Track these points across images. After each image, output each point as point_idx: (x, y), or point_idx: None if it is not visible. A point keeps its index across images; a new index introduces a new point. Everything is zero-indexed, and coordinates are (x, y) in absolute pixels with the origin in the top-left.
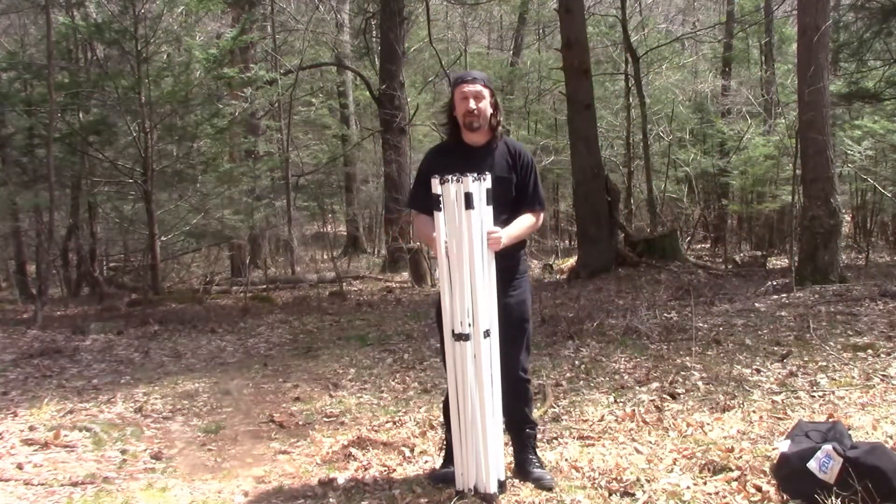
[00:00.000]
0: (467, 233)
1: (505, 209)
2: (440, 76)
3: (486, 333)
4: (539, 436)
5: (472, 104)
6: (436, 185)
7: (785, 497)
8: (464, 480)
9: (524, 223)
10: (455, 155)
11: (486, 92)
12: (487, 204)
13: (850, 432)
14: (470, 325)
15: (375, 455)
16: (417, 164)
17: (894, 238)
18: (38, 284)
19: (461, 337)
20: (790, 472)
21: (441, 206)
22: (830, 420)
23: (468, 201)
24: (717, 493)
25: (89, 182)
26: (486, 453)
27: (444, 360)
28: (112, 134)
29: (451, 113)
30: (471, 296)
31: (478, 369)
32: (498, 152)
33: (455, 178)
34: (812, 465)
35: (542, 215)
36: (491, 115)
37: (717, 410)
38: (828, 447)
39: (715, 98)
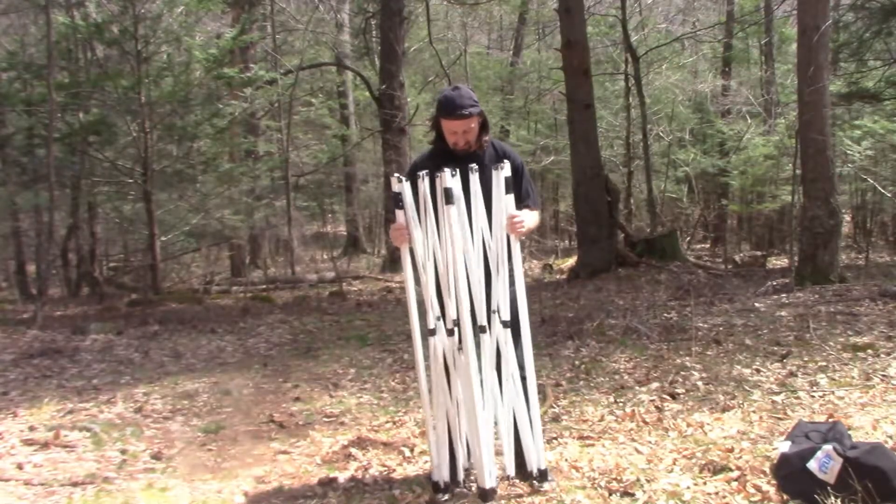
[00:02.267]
0: (449, 228)
1: None
2: (440, 76)
3: (482, 329)
4: None
5: (462, 139)
6: (395, 184)
7: (785, 497)
8: (439, 473)
9: (534, 215)
10: (445, 162)
11: (473, 122)
12: (507, 192)
13: (849, 432)
14: (455, 320)
15: (375, 455)
16: None
17: (894, 238)
18: (38, 284)
19: (432, 332)
20: (790, 472)
21: (401, 203)
22: (830, 420)
23: (447, 197)
24: (717, 493)
25: (89, 182)
26: (481, 448)
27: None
28: (112, 134)
29: (439, 130)
30: (455, 291)
31: (465, 364)
32: (487, 157)
33: (425, 175)
34: (812, 465)
35: (539, 213)
36: (478, 134)
37: (717, 410)
38: (828, 447)
39: (715, 98)
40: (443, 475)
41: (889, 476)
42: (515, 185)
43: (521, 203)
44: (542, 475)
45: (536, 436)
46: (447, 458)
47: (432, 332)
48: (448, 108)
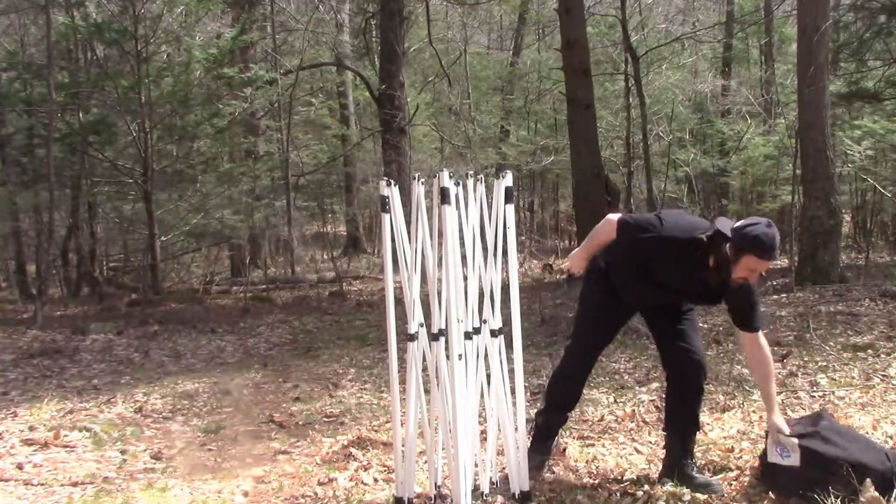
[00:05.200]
0: (449, 229)
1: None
2: (440, 76)
3: (468, 335)
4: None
5: (753, 277)
6: (383, 187)
7: (783, 500)
8: (405, 488)
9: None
10: (689, 264)
11: None
12: (507, 202)
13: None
14: (441, 329)
15: (375, 455)
16: (418, 164)
17: (894, 238)
18: (38, 284)
19: (412, 338)
20: (764, 469)
21: (388, 207)
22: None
23: (444, 196)
24: (717, 493)
25: (89, 182)
26: (458, 465)
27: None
28: (112, 134)
29: (727, 258)
30: (449, 294)
31: (448, 374)
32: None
33: (420, 178)
34: (775, 458)
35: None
36: None
37: (717, 410)
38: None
39: (715, 98)
40: (407, 492)
41: (830, 461)
42: (750, 312)
43: (753, 328)
44: (525, 497)
45: (522, 455)
46: (413, 472)
47: (412, 338)
48: (768, 247)
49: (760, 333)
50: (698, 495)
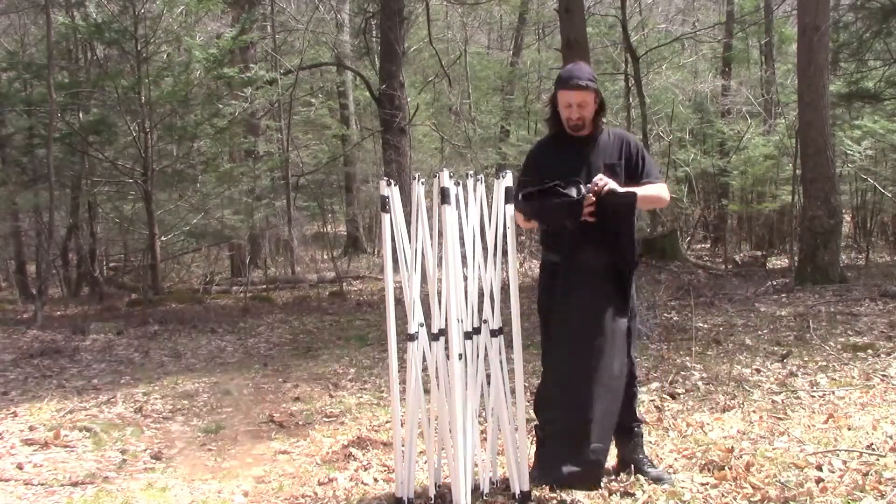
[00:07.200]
0: (448, 229)
1: None
2: (440, 76)
3: (468, 335)
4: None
5: (577, 113)
6: (383, 187)
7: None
8: (404, 488)
9: (653, 188)
10: (562, 147)
11: (591, 97)
12: (507, 202)
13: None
14: (442, 329)
15: (375, 455)
16: (418, 164)
17: (894, 238)
18: (38, 284)
19: (412, 337)
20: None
21: (388, 207)
22: None
23: (444, 196)
24: (717, 493)
25: (89, 182)
26: (458, 465)
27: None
28: (112, 134)
29: (555, 108)
30: (449, 294)
31: (449, 374)
32: (603, 140)
33: (420, 178)
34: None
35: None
36: (594, 115)
37: (717, 410)
38: None
39: (715, 98)
40: (407, 492)
41: None
42: (636, 165)
43: (640, 182)
44: (525, 496)
45: (521, 455)
46: (413, 472)
47: (412, 338)
48: (567, 77)
49: (661, 181)
50: (698, 496)
